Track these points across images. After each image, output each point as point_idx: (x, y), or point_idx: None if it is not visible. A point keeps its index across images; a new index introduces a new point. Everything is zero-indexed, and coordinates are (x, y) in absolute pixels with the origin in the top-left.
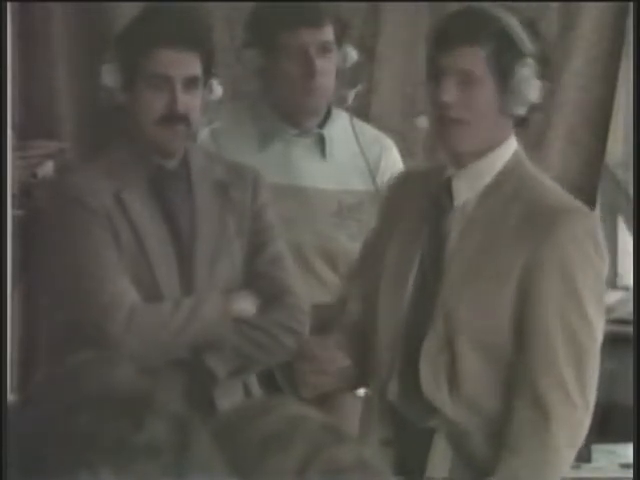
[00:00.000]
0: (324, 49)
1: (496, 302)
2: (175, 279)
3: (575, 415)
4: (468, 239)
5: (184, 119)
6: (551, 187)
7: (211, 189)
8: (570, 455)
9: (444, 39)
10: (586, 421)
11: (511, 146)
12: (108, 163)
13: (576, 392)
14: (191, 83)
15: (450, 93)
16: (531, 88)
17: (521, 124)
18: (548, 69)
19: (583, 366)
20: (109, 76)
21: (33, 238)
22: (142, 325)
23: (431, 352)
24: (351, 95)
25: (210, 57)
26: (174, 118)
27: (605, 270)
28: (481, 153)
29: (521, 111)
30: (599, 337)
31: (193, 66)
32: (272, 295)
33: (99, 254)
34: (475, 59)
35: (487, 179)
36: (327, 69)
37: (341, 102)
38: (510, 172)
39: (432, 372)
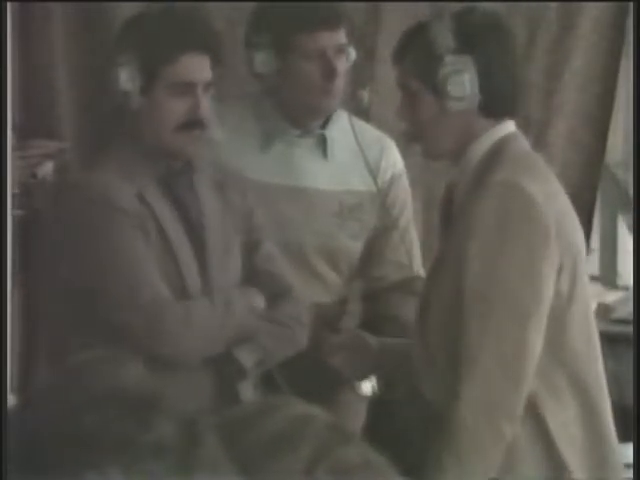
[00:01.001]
0: (339, 51)
1: (452, 281)
2: (196, 275)
3: (483, 377)
4: (454, 227)
5: (201, 123)
6: (515, 166)
7: (211, 187)
8: (487, 416)
9: (392, 58)
10: (505, 387)
11: (495, 134)
12: (118, 164)
13: (489, 359)
14: (208, 87)
15: (403, 107)
16: (456, 83)
17: (502, 112)
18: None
19: (498, 336)
20: (126, 80)
21: (33, 238)
22: (195, 321)
23: (415, 334)
24: (366, 95)
25: (219, 59)
26: (196, 123)
27: (542, 242)
28: (463, 148)
29: (459, 107)
30: (532, 310)
31: (209, 70)
32: (275, 290)
33: (136, 252)
34: (406, 74)
35: (469, 169)
36: (342, 70)
37: (357, 102)
38: (489, 158)
39: (418, 356)
